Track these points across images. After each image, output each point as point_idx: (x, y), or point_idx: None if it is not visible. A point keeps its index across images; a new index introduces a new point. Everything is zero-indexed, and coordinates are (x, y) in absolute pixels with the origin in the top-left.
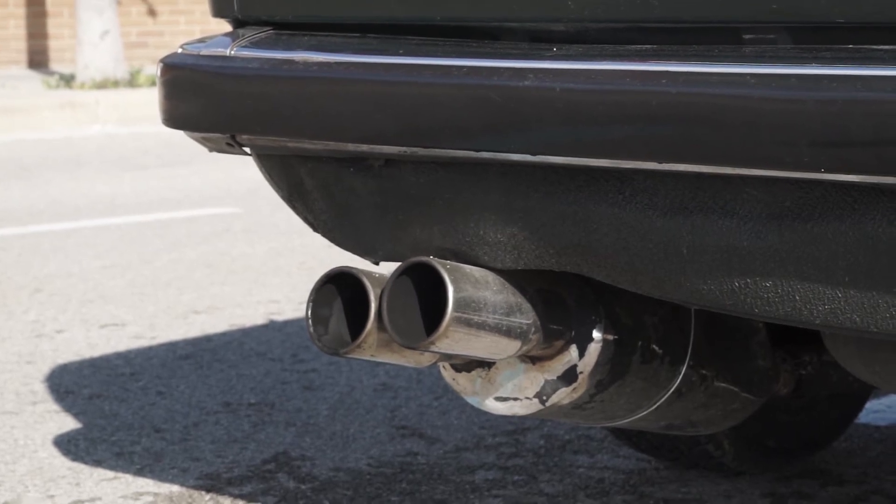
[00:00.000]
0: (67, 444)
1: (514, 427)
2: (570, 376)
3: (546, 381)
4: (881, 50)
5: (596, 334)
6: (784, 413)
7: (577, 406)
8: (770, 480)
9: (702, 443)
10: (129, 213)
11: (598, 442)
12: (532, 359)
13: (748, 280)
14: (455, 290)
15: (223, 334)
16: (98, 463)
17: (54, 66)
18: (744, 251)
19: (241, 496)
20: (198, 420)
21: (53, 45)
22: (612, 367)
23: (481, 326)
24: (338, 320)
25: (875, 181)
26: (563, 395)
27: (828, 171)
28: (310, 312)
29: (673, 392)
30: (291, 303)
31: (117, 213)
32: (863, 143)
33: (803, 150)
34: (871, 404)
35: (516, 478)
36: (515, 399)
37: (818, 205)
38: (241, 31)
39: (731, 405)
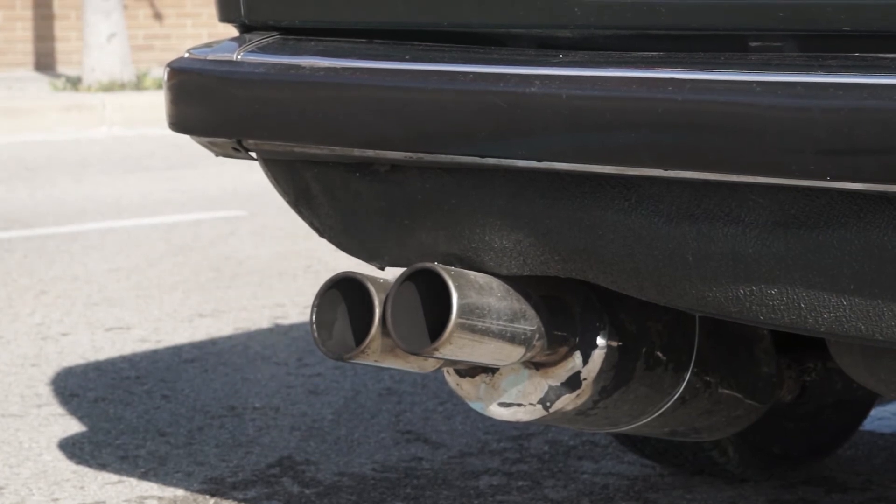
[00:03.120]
0: (72, 448)
1: (519, 432)
2: (573, 383)
3: (550, 388)
4: (887, 58)
5: (600, 341)
6: (789, 420)
7: (580, 412)
8: (774, 487)
9: (706, 449)
10: (135, 216)
11: (603, 448)
12: (536, 365)
13: (753, 287)
14: (459, 297)
15: (228, 338)
16: (103, 466)
17: (61, 68)
18: (749, 259)
19: (245, 500)
20: (202, 424)
21: (60, 47)
22: (616, 374)
23: (485, 333)
24: (342, 325)
25: (881, 189)
26: (566, 402)
27: (833, 179)
28: (314, 317)
29: (677, 399)
30: (297, 307)
31: (123, 215)
32: (868, 151)
33: (809, 158)
34: (875, 412)
35: (521, 483)
36: (519, 405)
37: (824, 213)
38: (247, 36)
39: (734, 412)
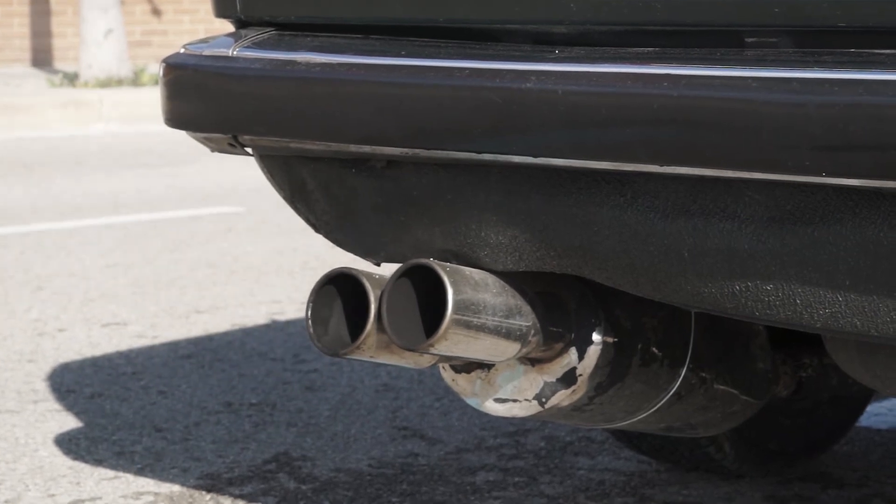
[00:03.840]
0: (68, 443)
1: (515, 428)
2: (569, 378)
3: (545, 383)
4: (882, 54)
5: (596, 337)
6: (785, 416)
7: (576, 408)
8: (771, 483)
9: (703, 445)
10: (132, 212)
11: (599, 444)
12: (531, 361)
13: (749, 283)
14: (455, 293)
15: (225, 334)
16: (99, 462)
17: (58, 64)
18: (745, 254)
19: (241, 496)
20: (199, 420)
21: (57, 43)
22: (612, 370)
23: (481, 329)
24: (338, 321)
25: (876, 185)
26: (562, 398)
27: (829, 174)
28: (310, 313)
29: (672, 395)
30: (293, 303)
31: (120, 211)
32: (864, 146)
33: (805, 154)
34: (872, 408)
35: (517, 479)
36: (515, 401)
37: (819, 208)
38: (243, 32)
39: (730, 408)
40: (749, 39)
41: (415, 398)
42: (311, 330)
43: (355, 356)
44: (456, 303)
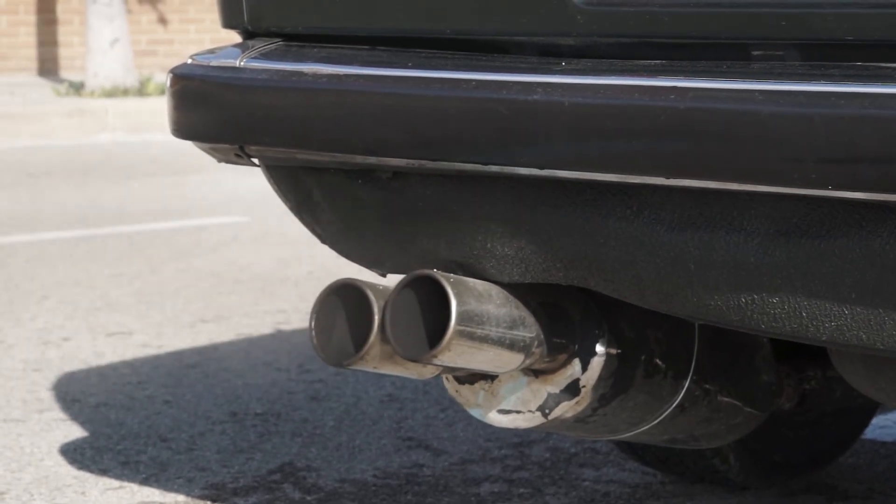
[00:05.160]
0: (73, 453)
1: (520, 439)
2: (572, 390)
3: (549, 395)
4: (889, 68)
5: (599, 348)
6: (790, 428)
7: (579, 419)
8: (775, 495)
9: (708, 457)
10: (137, 222)
11: (604, 455)
12: (535, 372)
13: (755, 296)
14: (458, 304)
15: (230, 344)
16: (104, 472)
17: (64, 73)
18: (751, 267)
19: None
20: (204, 429)
21: (63, 52)
22: (615, 382)
23: (484, 340)
24: (341, 332)
25: (882, 198)
26: (565, 409)
27: (835, 188)
28: (313, 323)
29: (676, 406)
30: (299, 313)
31: (125, 221)
32: (870, 160)
33: (811, 167)
34: (877, 420)
35: (522, 490)
36: (518, 412)
37: (825, 221)
38: (250, 43)
39: (733, 420)
40: (755, 52)
41: (419, 409)
42: (315, 340)
43: (359, 367)
44: (459, 314)
